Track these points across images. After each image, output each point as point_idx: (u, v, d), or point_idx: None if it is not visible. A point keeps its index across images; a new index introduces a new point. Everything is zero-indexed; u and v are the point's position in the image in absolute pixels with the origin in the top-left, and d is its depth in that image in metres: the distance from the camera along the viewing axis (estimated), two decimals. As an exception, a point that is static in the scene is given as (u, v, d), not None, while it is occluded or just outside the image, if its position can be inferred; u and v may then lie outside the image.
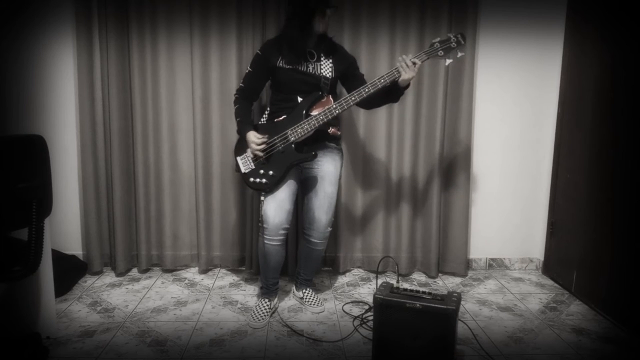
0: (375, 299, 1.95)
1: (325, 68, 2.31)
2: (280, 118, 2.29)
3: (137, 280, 2.90)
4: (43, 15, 2.79)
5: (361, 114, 2.87)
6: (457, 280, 2.97)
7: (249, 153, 2.30)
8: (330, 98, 2.29)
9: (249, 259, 3.00)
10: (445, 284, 2.91)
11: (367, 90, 2.14)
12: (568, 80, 2.85)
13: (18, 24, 2.77)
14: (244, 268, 3.07)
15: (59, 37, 2.82)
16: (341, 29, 2.77)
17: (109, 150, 2.88)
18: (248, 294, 2.71)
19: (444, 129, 2.89)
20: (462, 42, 2.14)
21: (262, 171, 2.27)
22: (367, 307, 2.52)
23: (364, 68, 2.67)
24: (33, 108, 2.86)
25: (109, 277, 2.93)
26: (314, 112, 2.22)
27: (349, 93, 2.20)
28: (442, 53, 2.14)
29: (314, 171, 2.36)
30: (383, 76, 2.14)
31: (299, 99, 2.27)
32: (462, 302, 2.59)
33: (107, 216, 2.96)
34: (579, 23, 2.76)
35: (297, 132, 2.22)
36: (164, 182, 2.95)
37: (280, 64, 2.27)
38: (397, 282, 2.03)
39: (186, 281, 2.89)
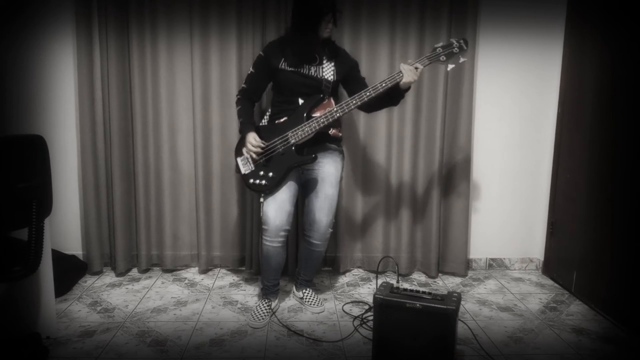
0: (375, 299, 1.95)
1: (327, 71, 2.31)
2: (281, 120, 2.29)
3: (137, 280, 2.90)
4: (43, 15, 2.79)
5: (361, 115, 2.87)
6: (457, 280, 2.97)
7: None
8: (332, 101, 2.28)
9: (249, 259, 3.00)
10: (445, 284, 2.91)
11: (368, 94, 2.14)
12: (568, 80, 2.85)
13: (18, 24, 2.77)
14: (244, 268, 3.07)
15: (59, 37, 2.82)
16: (341, 30, 2.76)
17: (109, 151, 2.88)
18: (248, 294, 2.71)
19: (444, 129, 2.89)
20: (465, 48, 2.14)
21: (261, 173, 2.26)
22: (367, 307, 2.52)
23: (363, 68, 2.66)
24: (33, 108, 2.86)
25: (109, 277, 2.93)
26: (315, 115, 2.22)
27: (350, 96, 2.20)
28: (445, 58, 2.14)
29: (314, 173, 2.35)
30: (385, 80, 2.13)
31: (300, 101, 2.27)
32: (462, 302, 2.59)
33: (107, 216, 2.96)
34: (579, 23, 2.76)
35: (298, 135, 2.21)
36: (164, 182, 2.95)
37: (283, 66, 2.27)
38: (397, 282, 2.04)
39: (186, 281, 2.89)
